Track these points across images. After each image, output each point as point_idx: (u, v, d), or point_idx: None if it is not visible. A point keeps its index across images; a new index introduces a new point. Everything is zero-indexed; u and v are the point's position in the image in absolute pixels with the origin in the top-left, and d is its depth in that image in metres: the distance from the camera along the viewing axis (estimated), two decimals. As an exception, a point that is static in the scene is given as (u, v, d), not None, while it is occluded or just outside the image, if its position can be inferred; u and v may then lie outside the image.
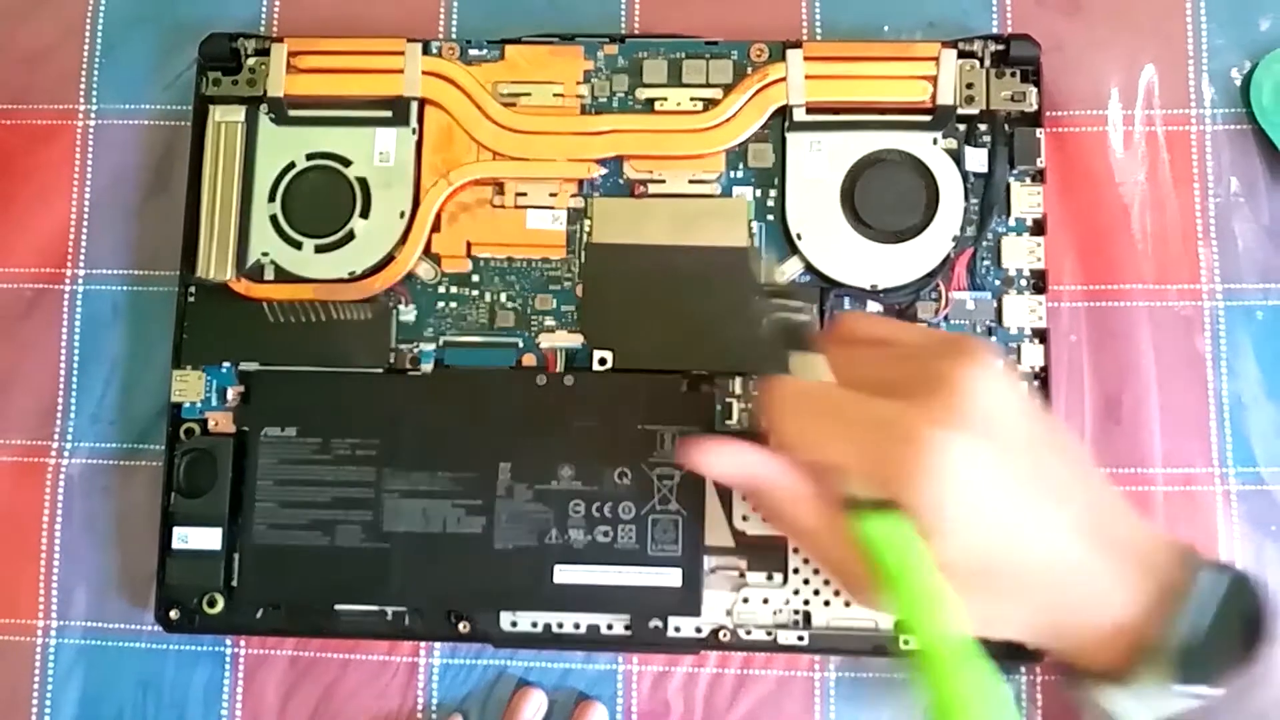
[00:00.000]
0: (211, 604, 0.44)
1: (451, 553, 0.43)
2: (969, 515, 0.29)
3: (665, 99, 0.46)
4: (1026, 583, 0.31)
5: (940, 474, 0.28)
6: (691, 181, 0.45)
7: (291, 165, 0.46)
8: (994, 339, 0.44)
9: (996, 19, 0.48)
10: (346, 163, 0.45)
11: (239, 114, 0.46)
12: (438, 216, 0.45)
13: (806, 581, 0.43)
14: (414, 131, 0.45)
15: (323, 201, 0.45)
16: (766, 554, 0.43)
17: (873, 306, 0.44)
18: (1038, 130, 0.45)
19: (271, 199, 0.45)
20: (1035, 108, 0.45)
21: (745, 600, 0.43)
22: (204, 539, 0.43)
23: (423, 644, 0.45)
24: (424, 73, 0.46)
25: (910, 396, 0.30)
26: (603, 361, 0.44)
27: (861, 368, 0.32)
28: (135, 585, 0.46)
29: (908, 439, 0.29)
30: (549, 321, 0.45)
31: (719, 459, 0.34)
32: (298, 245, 0.45)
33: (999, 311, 0.44)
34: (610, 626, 0.43)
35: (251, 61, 0.46)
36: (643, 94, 0.46)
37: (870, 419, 0.30)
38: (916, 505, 0.29)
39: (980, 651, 0.30)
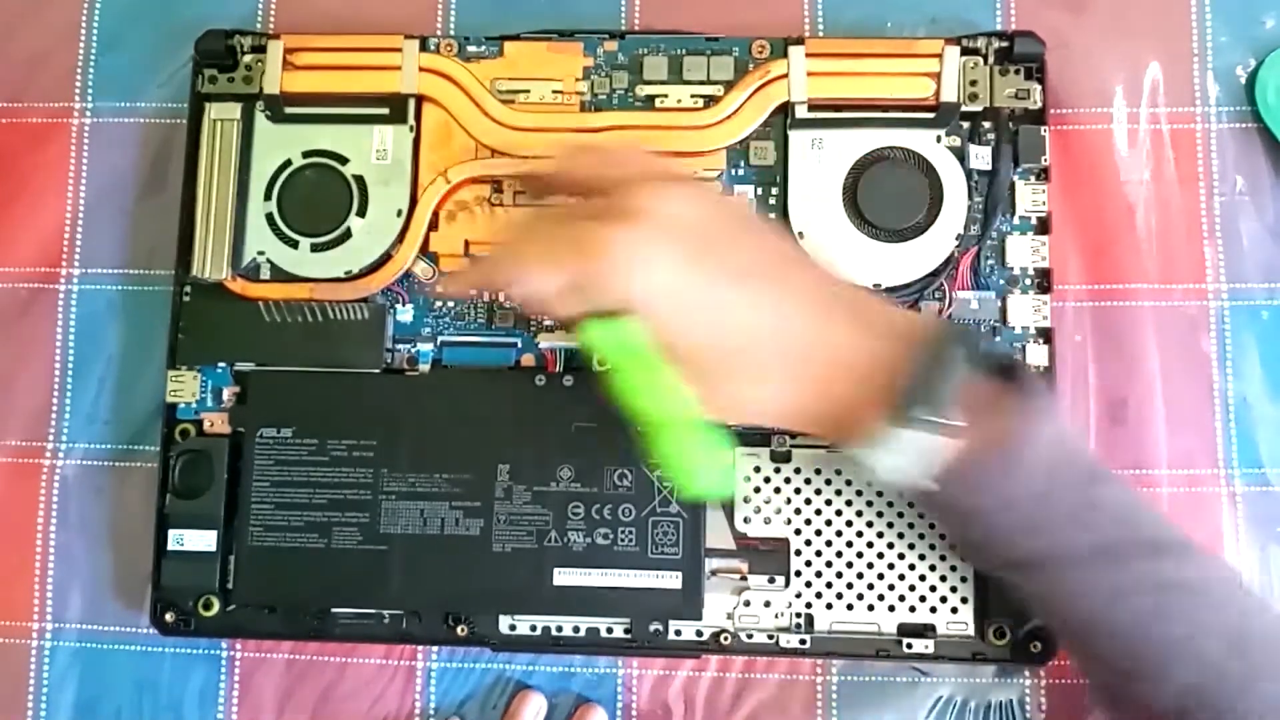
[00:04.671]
0: (207, 606, 0.43)
1: (449, 555, 0.42)
2: (664, 300, 0.33)
3: (666, 96, 0.45)
4: (755, 357, 0.34)
5: (627, 269, 0.32)
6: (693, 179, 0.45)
7: (288, 163, 0.45)
8: (998, 339, 0.44)
9: (1000, 16, 0.47)
10: (343, 160, 0.45)
11: (235, 111, 0.45)
12: (435, 215, 0.45)
13: (809, 584, 0.42)
14: (411, 129, 0.45)
15: (319, 200, 0.45)
16: (768, 557, 0.43)
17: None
18: (1042, 128, 0.44)
19: (268, 197, 0.45)
20: (1039, 105, 0.45)
21: (747, 603, 0.42)
22: (199, 541, 0.43)
23: (420, 647, 0.45)
24: (422, 69, 0.45)
25: (601, 218, 0.34)
26: (602, 362, 0.43)
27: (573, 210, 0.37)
28: (131, 587, 0.45)
29: (596, 246, 0.32)
30: (548, 321, 0.44)
31: (521, 288, 0.36)
32: (294, 244, 0.45)
33: (1003, 311, 0.44)
34: (610, 630, 0.43)
35: (248, 59, 0.46)
36: (643, 91, 0.45)
37: (568, 239, 0.33)
38: (619, 303, 0.33)
39: (707, 427, 0.35)
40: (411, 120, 0.45)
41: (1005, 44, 0.45)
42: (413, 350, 0.44)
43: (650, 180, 0.34)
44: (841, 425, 0.35)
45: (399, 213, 0.45)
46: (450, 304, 0.45)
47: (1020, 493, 0.35)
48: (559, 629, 0.43)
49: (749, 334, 0.34)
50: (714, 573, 0.42)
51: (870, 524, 0.42)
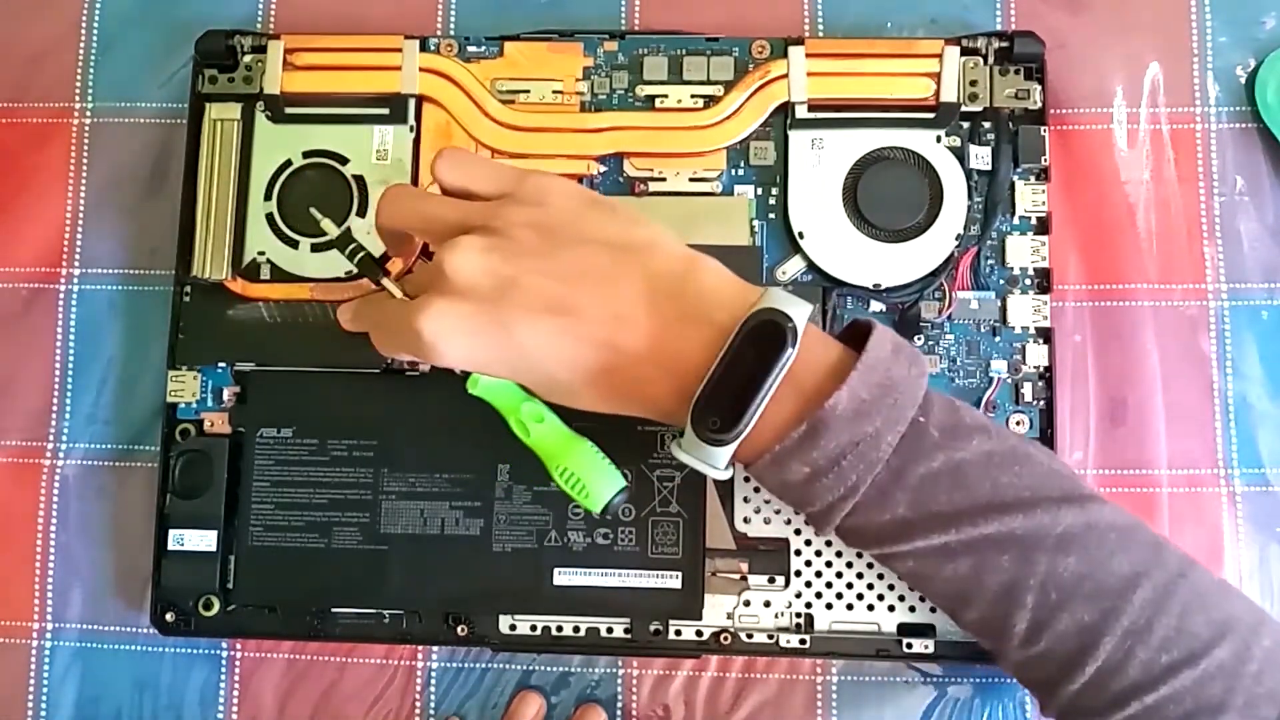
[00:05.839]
0: (207, 606, 0.43)
1: (449, 555, 0.42)
2: (471, 361, 0.35)
3: (666, 96, 0.45)
4: (565, 385, 0.36)
5: (433, 348, 0.34)
6: (692, 179, 0.45)
7: (288, 163, 0.45)
8: (998, 339, 0.44)
9: (1000, 16, 0.47)
10: (344, 160, 0.45)
11: (235, 112, 0.45)
12: (436, 215, 0.45)
13: (808, 584, 0.42)
14: (412, 129, 0.45)
15: (320, 200, 0.45)
16: (768, 557, 0.43)
17: (875, 306, 0.44)
18: (1042, 128, 0.44)
19: (268, 197, 0.45)
20: (1039, 105, 0.45)
21: (747, 603, 0.42)
22: (200, 541, 0.43)
23: (420, 647, 0.45)
24: (422, 70, 0.45)
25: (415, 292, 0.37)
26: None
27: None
28: (131, 587, 0.45)
29: (406, 336, 0.35)
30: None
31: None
32: (294, 244, 0.45)
33: (1003, 311, 0.44)
34: (610, 630, 0.43)
35: (248, 59, 0.46)
36: (643, 91, 0.45)
37: (391, 324, 0.37)
38: (445, 365, 0.35)
39: (571, 434, 0.38)
40: (411, 120, 0.45)
41: (1005, 44, 0.45)
42: (413, 350, 0.44)
43: (448, 245, 0.35)
44: (662, 415, 0.36)
45: (399, 213, 0.45)
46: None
47: (806, 472, 0.34)
48: (559, 629, 0.43)
49: (552, 365, 0.35)
50: (714, 573, 0.43)
51: (870, 524, 0.42)
